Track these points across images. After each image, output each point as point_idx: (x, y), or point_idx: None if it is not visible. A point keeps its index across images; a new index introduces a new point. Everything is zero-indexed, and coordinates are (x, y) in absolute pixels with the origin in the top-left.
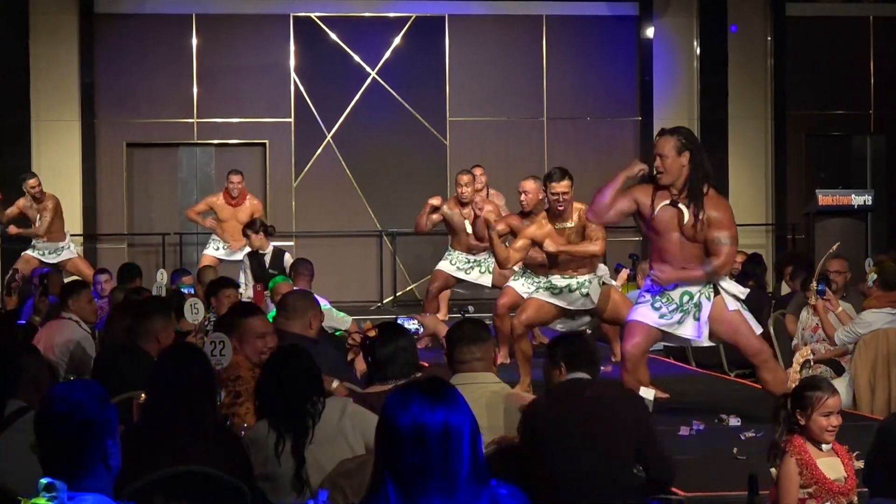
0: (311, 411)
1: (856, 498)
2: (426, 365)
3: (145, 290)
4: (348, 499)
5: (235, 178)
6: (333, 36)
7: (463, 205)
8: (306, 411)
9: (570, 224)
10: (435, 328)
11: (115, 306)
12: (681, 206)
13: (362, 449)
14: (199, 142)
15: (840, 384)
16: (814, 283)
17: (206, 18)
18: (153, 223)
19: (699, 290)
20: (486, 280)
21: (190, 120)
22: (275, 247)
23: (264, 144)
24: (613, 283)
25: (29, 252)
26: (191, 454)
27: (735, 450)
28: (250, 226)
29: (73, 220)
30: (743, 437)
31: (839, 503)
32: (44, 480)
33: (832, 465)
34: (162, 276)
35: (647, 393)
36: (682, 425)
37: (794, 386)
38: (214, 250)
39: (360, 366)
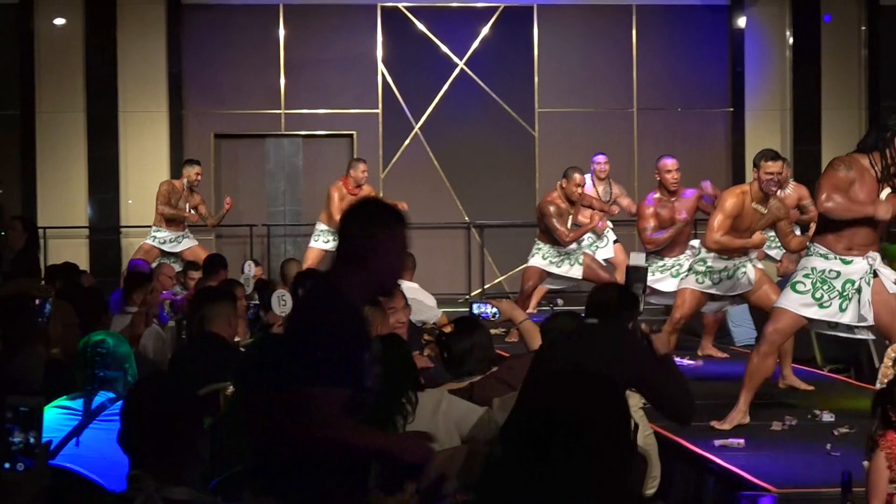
0: (403, 408)
1: None
2: (506, 355)
3: (234, 282)
4: None
5: (362, 166)
6: (421, 26)
7: (571, 203)
8: (399, 407)
9: (764, 210)
10: (511, 313)
11: (191, 299)
12: None
13: (455, 442)
14: (287, 133)
15: None
16: None
17: (294, 9)
18: (241, 214)
19: (860, 277)
20: (577, 272)
21: (277, 111)
22: None
23: (352, 136)
24: (760, 265)
25: (148, 241)
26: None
27: (828, 446)
28: None
29: None
30: (836, 433)
31: None
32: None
33: None
34: (249, 268)
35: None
36: (775, 420)
37: (887, 381)
38: (325, 243)
39: (421, 362)
